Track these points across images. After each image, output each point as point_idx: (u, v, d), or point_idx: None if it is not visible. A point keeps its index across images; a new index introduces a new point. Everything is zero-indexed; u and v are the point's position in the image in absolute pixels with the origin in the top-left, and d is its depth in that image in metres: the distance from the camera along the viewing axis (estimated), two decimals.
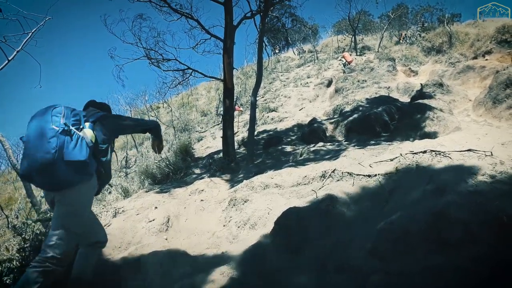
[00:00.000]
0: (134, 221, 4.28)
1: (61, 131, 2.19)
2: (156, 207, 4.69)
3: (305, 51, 25.61)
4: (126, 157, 11.67)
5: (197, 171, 7.35)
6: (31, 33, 4.90)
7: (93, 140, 2.38)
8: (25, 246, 3.24)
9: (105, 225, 4.31)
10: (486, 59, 12.74)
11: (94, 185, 2.51)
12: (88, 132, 2.37)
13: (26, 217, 3.27)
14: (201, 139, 12.29)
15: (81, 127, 2.38)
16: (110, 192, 6.46)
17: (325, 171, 4.32)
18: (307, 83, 16.99)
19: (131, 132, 3.01)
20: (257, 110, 11.31)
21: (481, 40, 14.91)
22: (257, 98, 9.70)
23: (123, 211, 4.78)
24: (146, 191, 5.98)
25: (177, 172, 7.08)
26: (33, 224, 3.41)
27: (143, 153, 9.32)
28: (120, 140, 17.74)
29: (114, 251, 3.63)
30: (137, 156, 11.31)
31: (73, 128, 2.28)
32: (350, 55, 19.85)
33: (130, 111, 17.73)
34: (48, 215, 3.41)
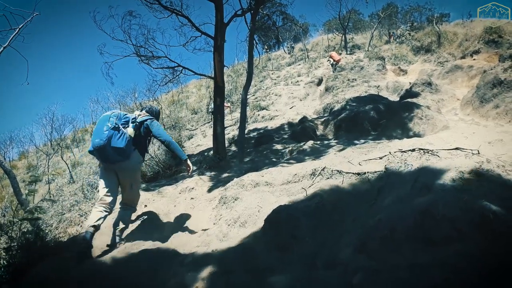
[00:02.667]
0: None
1: (112, 127, 3.43)
2: (145, 205, 4.68)
3: (294, 47, 25.59)
4: None
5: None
6: (18, 29, 4.83)
7: (132, 135, 3.58)
8: (12, 245, 3.20)
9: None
10: (474, 59, 12.92)
11: (138, 162, 3.83)
12: (129, 130, 3.59)
13: (12, 216, 3.23)
14: (192, 137, 12.25)
15: (127, 126, 3.60)
16: (98, 190, 6.41)
17: (315, 169, 4.35)
18: (297, 81, 17.05)
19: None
20: (247, 108, 11.30)
21: (469, 40, 15.12)
22: (248, 96, 9.69)
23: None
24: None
25: (167, 170, 7.04)
26: (19, 222, 3.37)
27: None
28: None
29: (103, 249, 3.60)
30: None
31: (121, 126, 3.52)
32: (340, 54, 19.94)
33: (120, 108, 17.57)
34: (35, 214, 3.37)
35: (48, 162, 14.84)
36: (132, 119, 3.68)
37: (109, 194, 3.62)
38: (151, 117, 3.83)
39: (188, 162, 3.84)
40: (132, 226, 4.07)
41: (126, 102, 17.91)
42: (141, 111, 3.97)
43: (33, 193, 3.78)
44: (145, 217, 4.28)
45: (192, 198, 5.06)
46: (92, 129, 20.73)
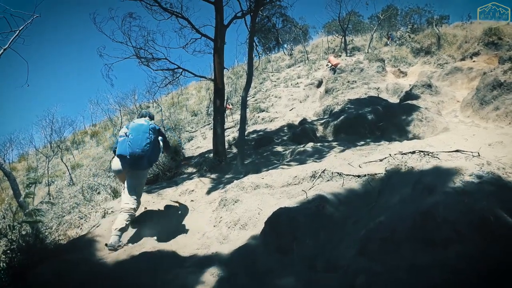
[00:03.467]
0: None
1: (152, 141, 3.89)
2: (145, 208, 4.66)
3: (293, 50, 25.61)
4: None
5: (187, 171, 7.31)
6: (18, 31, 4.83)
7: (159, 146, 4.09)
8: (12, 247, 3.19)
9: (94, 226, 4.29)
10: (474, 61, 12.92)
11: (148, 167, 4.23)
12: (161, 144, 4.17)
13: (12, 219, 3.22)
14: (191, 139, 12.25)
15: (157, 138, 4.07)
16: (99, 193, 6.40)
17: (315, 171, 4.34)
18: (297, 83, 17.05)
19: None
20: (247, 110, 11.30)
21: (469, 42, 15.13)
22: (248, 98, 9.69)
23: (112, 211, 4.75)
24: None
25: (167, 172, 7.04)
26: (19, 225, 3.36)
27: None
28: (109, 140, 17.60)
29: (102, 252, 3.59)
30: None
31: (159, 140, 4.06)
32: (339, 56, 19.95)
33: (120, 110, 17.60)
34: (35, 217, 3.37)
35: (48, 164, 14.81)
36: (157, 127, 4.10)
37: (132, 194, 3.98)
38: (154, 123, 4.16)
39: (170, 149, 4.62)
40: (132, 228, 4.07)
41: (126, 104, 17.94)
42: (145, 116, 4.24)
43: (31, 196, 3.77)
44: (145, 219, 4.27)
45: (192, 200, 5.05)
46: (91, 131, 20.75)
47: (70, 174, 13.09)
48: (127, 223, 3.79)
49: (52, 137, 17.90)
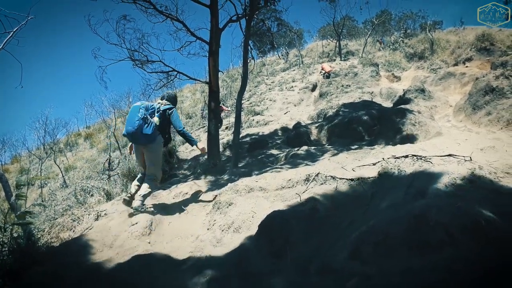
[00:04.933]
0: (116, 224, 4.22)
1: (142, 117, 4.26)
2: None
3: (288, 52, 25.74)
4: (109, 159, 11.50)
5: (181, 174, 7.30)
6: (12, 32, 4.79)
7: (157, 123, 4.39)
8: (3, 250, 3.16)
9: (86, 229, 4.25)
10: (467, 66, 13.07)
11: (160, 144, 4.60)
12: (155, 119, 4.40)
13: (3, 221, 3.18)
14: (186, 142, 12.22)
15: (153, 115, 4.40)
16: (92, 195, 6.36)
17: (309, 175, 4.35)
18: (292, 87, 17.11)
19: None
20: (242, 113, 11.31)
21: (462, 48, 15.29)
22: (243, 101, 9.71)
23: (105, 214, 4.71)
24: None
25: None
26: (10, 227, 3.33)
27: (127, 156, 9.22)
28: (103, 142, 17.52)
29: (95, 255, 3.57)
30: (121, 158, 11.16)
31: (148, 116, 4.33)
32: (333, 60, 20.08)
33: (114, 112, 17.53)
34: (27, 218, 3.34)
35: (41, 166, 14.71)
36: (157, 108, 4.51)
37: (140, 166, 4.77)
38: (171, 106, 4.69)
39: (199, 145, 4.76)
40: (124, 232, 4.05)
41: (120, 106, 17.88)
42: (161, 99, 4.82)
43: (23, 198, 3.73)
44: (138, 222, 4.25)
45: (185, 203, 5.04)
46: (85, 133, 20.66)
47: (63, 176, 13.01)
48: (149, 190, 4.50)
49: (45, 138, 17.80)
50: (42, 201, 9.06)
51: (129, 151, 5.11)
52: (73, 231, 4.40)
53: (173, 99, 4.89)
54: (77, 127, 23.13)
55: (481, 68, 12.54)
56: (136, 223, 4.18)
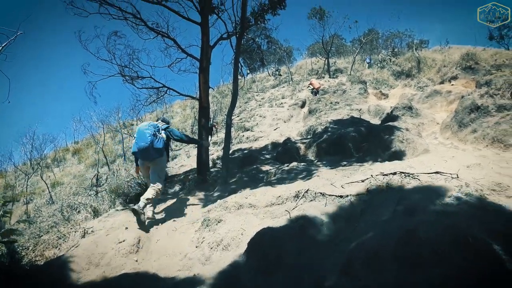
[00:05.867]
0: (103, 242, 4.15)
1: (152, 134, 4.88)
2: (126, 228, 4.57)
3: (280, 71, 26.05)
4: (97, 175, 11.36)
5: (171, 190, 7.24)
6: (1, 48, 4.78)
7: (165, 139, 5.05)
8: None
9: (72, 246, 4.17)
10: (452, 84, 13.36)
11: (166, 158, 5.24)
12: (163, 135, 5.07)
13: None
14: (175, 157, 12.16)
15: (160, 132, 5.07)
16: (79, 212, 6.25)
17: (298, 191, 4.36)
18: (281, 103, 17.24)
19: (176, 141, 5.51)
20: (232, 129, 11.33)
21: (447, 66, 15.65)
22: (233, 118, 9.74)
23: (92, 231, 4.63)
24: (117, 210, 5.83)
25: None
26: None
27: (115, 171, 9.11)
28: (91, 158, 17.33)
29: (81, 273, 3.49)
30: (109, 174, 11.03)
31: (157, 133, 4.95)
32: (322, 78, 20.36)
33: (103, 127, 17.41)
34: (12, 236, 3.27)
35: (27, 182, 14.44)
36: (162, 127, 5.19)
37: (153, 181, 5.04)
38: (168, 125, 5.39)
39: (204, 142, 6.09)
40: (111, 249, 3.98)
41: (109, 121, 17.77)
42: (157, 120, 5.43)
43: (8, 215, 3.66)
44: (125, 239, 4.18)
45: (174, 220, 4.98)
46: (74, 148, 20.40)
47: (49, 192, 12.78)
48: (153, 196, 4.86)
49: (32, 154, 17.53)
50: (27, 217, 8.86)
51: (136, 172, 5.78)
52: (59, 249, 4.31)
53: (168, 121, 5.56)
54: (65, 142, 22.87)
55: (466, 86, 12.84)
56: (124, 241, 4.12)
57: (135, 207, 4.62)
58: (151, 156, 4.93)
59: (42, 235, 4.96)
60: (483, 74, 13.19)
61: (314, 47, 29.72)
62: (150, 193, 4.85)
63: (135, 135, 5.00)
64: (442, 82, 14.42)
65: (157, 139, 4.92)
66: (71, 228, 4.76)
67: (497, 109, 7.24)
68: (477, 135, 7.05)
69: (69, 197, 7.59)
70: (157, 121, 5.36)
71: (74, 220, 5.68)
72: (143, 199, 4.73)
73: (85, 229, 4.66)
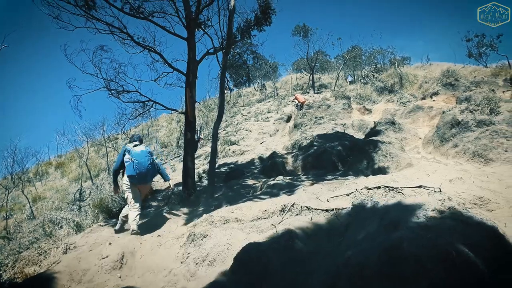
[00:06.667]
0: (86, 257, 4.07)
1: (151, 162, 5.38)
2: (110, 243, 4.50)
3: (265, 87, 26.29)
4: (80, 189, 11.15)
5: (155, 204, 7.15)
6: None
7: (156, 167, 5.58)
8: None
9: (54, 263, 4.08)
10: (434, 100, 13.68)
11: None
12: (156, 162, 5.57)
13: None
14: None
15: (154, 160, 5.53)
16: (61, 227, 6.11)
17: (284, 205, 4.37)
18: (267, 117, 17.35)
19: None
20: (218, 143, 11.32)
21: (429, 82, 16.06)
22: (219, 131, 9.74)
23: (74, 247, 4.54)
24: (100, 226, 5.73)
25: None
26: None
27: (99, 185, 8.96)
28: (75, 172, 17.01)
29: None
30: (92, 188, 10.84)
31: (153, 161, 5.48)
32: (307, 93, 20.60)
33: (87, 141, 17.17)
34: None
35: (7, 197, 14.05)
36: (154, 156, 5.58)
37: (138, 201, 5.27)
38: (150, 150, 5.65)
39: (170, 183, 5.90)
40: (94, 266, 3.89)
41: (94, 135, 17.55)
42: (131, 139, 5.73)
43: None
44: (109, 255, 4.10)
45: (159, 236, 4.91)
46: (57, 162, 20.00)
47: (31, 207, 12.46)
48: (137, 218, 5.14)
49: (13, 168, 17.09)
50: (7, 233, 8.61)
51: (115, 192, 5.88)
52: (39, 265, 4.20)
53: (141, 139, 5.87)
54: (48, 156, 22.41)
55: (447, 102, 13.17)
56: (107, 256, 4.04)
57: (135, 232, 4.99)
58: (147, 181, 5.45)
59: (22, 252, 4.84)
60: (463, 90, 13.58)
61: (299, 63, 30.06)
62: (133, 217, 5.13)
63: (133, 159, 5.25)
64: (424, 98, 14.75)
65: (153, 167, 5.44)
66: (52, 244, 4.65)
67: (477, 124, 7.45)
68: (458, 150, 7.22)
69: (51, 212, 7.42)
70: (133, 141, 5.61)
71: (56, 236, 5.55)
72: (134, 223, 5.07)
73: (67, 245, 4.57)
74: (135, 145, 5.46)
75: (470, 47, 21.38)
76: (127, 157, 5.33)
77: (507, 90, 12.93)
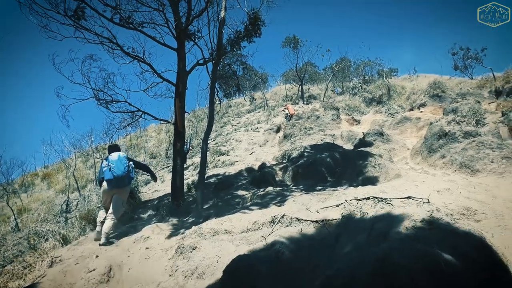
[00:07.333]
0: (72, 271, 3.98)
1: (127, 165, 5.65)
2: (97, 256, 4.41)
3: (255, 98, 26.41)
4: (67, 201, 10.96)
5: (144, 216, 7.06)
6: None
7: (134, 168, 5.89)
8: None
9: (39, 277, 3.99)
10: (421, 111, 13.90)
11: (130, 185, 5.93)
12: (132, 165, 5.83)
13: None
14: (149, 182, 11.92)
15: (130, 162, 5.81)
16: (47, 240, 5.98)
17: (274, 217, 4.35)
18: (257, 128, 17.37)
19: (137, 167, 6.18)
20: (208, 153, 11.28)
21: (416, 94, 16.31)
22: (208, 142, 9.72)
23: (60, 260, 4.44)
24: (87, 238, 5.63)
25: (121, 218, 6.74)
26: None
27: (86, 197, 8.82)
28: (62, 183, 16.75)
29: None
30: (79, 199, 10.66)
31: (130, 164, 5.76)
32: (297, 103, 20.76)
33: (74, 152, 16.95)
34: None
35: None
36: (129, 158, 5.87)
37: (106, 207, 5.60)
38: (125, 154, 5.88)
39: (155, 176, 6.54)
40: (81, 279, 3.81)
41: (81, 145, 17.34)
42: (109, 148, 6.04)
43: None
44: (96, 268, 4.02)
45: (147, 248, 4.84)
46: (43, 173, 19.68)
47: (15, 219, 12.19)
48: (111, 230, 5.34)
49: None
50: None
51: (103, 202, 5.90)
52: (24, 279, 4.10)
53: (119, 148, 6.18)
54: (34, 167, 22.02)
55: (434, 113, 13.39)
56: (94, 270, 3.96)
57: (102, 244, 5.08)
58: (123, 184, 5.61)
59: (6, 265, 4.72)
60: (450, 101, 13.83)
61: (288, 74, 30.33)
62: (109, 226, 5.33)
63: (110, 164, 5.56)
64: (411, 109, 14.97)
65: (130, 169, 5.71)
66: (37, 257, 4.54)
67: (463, 135, 7.57)
68: (445, 161, 7.31)
69: (36, 224, 7.25)
70: (113, 150, 5.93)
71: (41, 249, 5.42)
72: (105, 234, 5.21)
73: (52, 258, 4.46)
74: (112, 152, 5.83)
75: (456, 60, 21.89)
76: (104, 163, 5.68)
77: (492, 102, 13.22)
